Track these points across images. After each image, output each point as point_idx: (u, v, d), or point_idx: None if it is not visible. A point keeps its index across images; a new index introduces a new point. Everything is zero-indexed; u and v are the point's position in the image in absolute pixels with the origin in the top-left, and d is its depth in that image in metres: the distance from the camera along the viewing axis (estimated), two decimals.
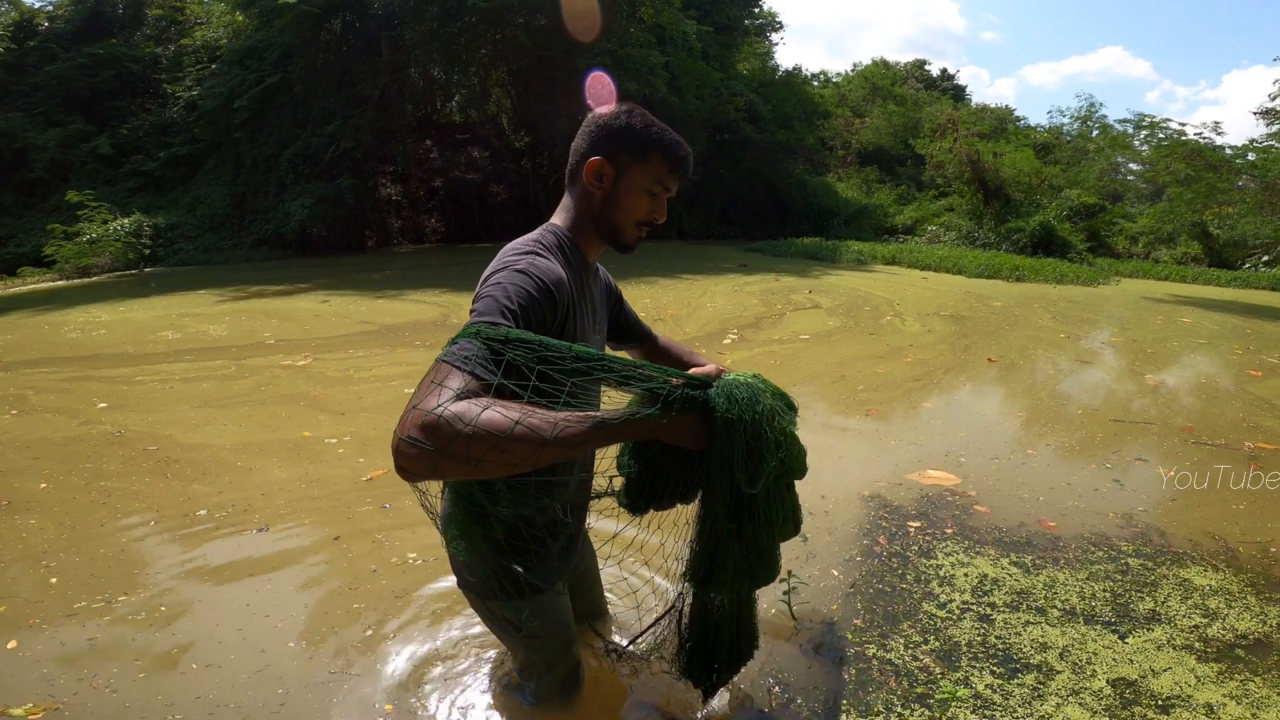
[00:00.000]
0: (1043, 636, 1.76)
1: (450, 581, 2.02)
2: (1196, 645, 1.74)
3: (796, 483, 1.21)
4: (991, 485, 2.76)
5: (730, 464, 1.06)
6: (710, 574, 1.17)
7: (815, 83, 28.56)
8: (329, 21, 13.44)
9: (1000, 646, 1.73)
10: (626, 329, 1.54)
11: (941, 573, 2.07)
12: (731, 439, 1.05)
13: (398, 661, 1.71)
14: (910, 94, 27.98)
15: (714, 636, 1.29)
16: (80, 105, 16.28)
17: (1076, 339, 5.97)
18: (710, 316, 6.63)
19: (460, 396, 0.90)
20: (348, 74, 13.88)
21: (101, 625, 1.91)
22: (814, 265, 12.32)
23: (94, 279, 11.95)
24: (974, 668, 1.65)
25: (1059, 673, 1.62)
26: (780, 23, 25.41)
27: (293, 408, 3.84)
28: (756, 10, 22.63)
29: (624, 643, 1.59)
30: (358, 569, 2.15)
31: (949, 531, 2.33)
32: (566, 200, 1.27)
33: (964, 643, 1.75)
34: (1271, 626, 1.81)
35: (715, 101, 17.22)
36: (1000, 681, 1.60)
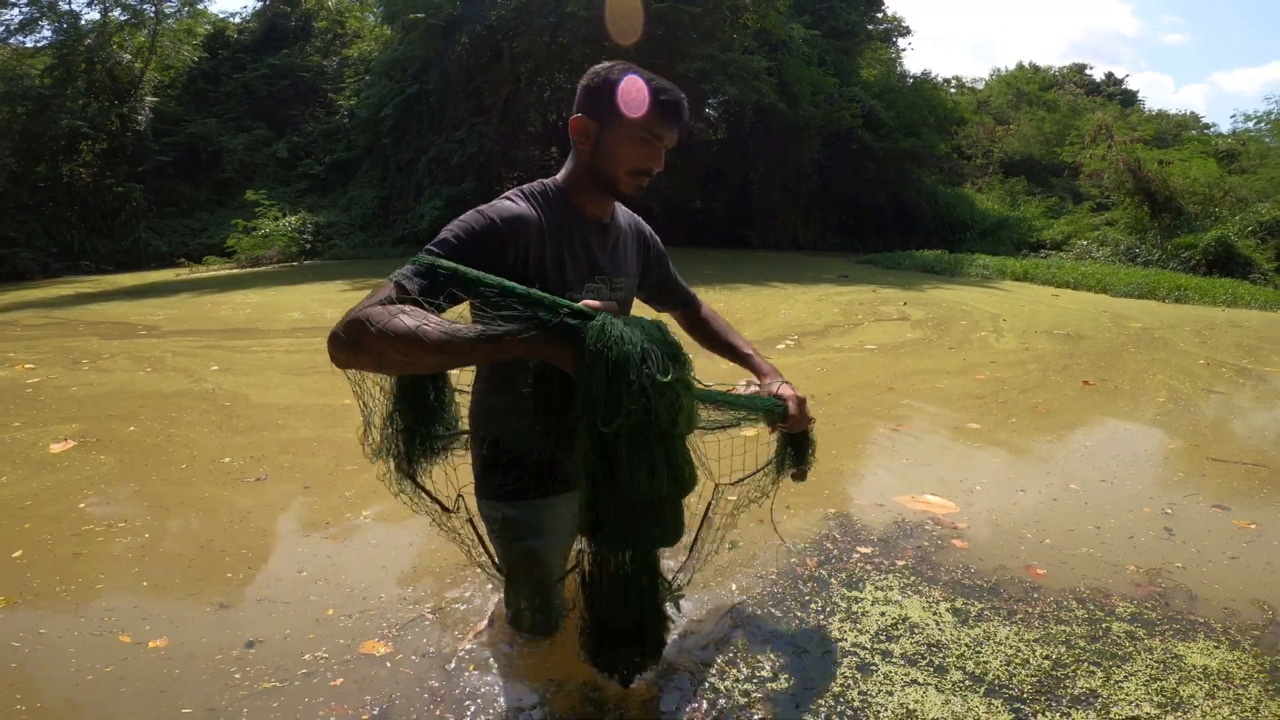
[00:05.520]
0: (916, 703, 1.44)
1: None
2: None
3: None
4: (993, 520, 2.35)
5: (590, 399, 1.04)
6: (596, 523, 1.13)
7: (950, 88, 26.60)
8: (457, 34, 14.46)
9: (856, 704, 1.44)
10: (660, 291, 1.66)
11: (855, 608, 1.78)
12: (593, 371, 1.04)
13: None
14: (1066, 100, 25.24)
15: (609, 605, 1.21)
16: (263, 112, 18.64)
17: (1217, 365, 5.04)
18: (777, 323, 6.33)
19: (384, 303, 1.05)
20: (473, 83, 14.85)
21: (91, 537, 2.26)
22: (927, 279, 11.38)
23: (263, 268, 13.69)
24: None
25: None
26: (907, 28, 24.05)
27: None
28: (880, 15, 21.52)
29: None
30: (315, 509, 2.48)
31: (900, 564, 2.00)
32: (569, 157, 1.37)
33: (815, 689, 1.48)
34: None
35: (830, 108, 16.50)
36: None
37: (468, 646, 1.65)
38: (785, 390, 1.51)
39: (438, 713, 1.46)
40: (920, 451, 3.06)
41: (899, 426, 3.39)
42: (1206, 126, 24.12)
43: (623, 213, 1.51)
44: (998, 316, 7.19)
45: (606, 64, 1.32)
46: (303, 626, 1.74)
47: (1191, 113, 28.39)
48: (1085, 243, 15.77)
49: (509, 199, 1.30)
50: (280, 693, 1.52)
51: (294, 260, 14.79)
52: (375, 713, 1.46)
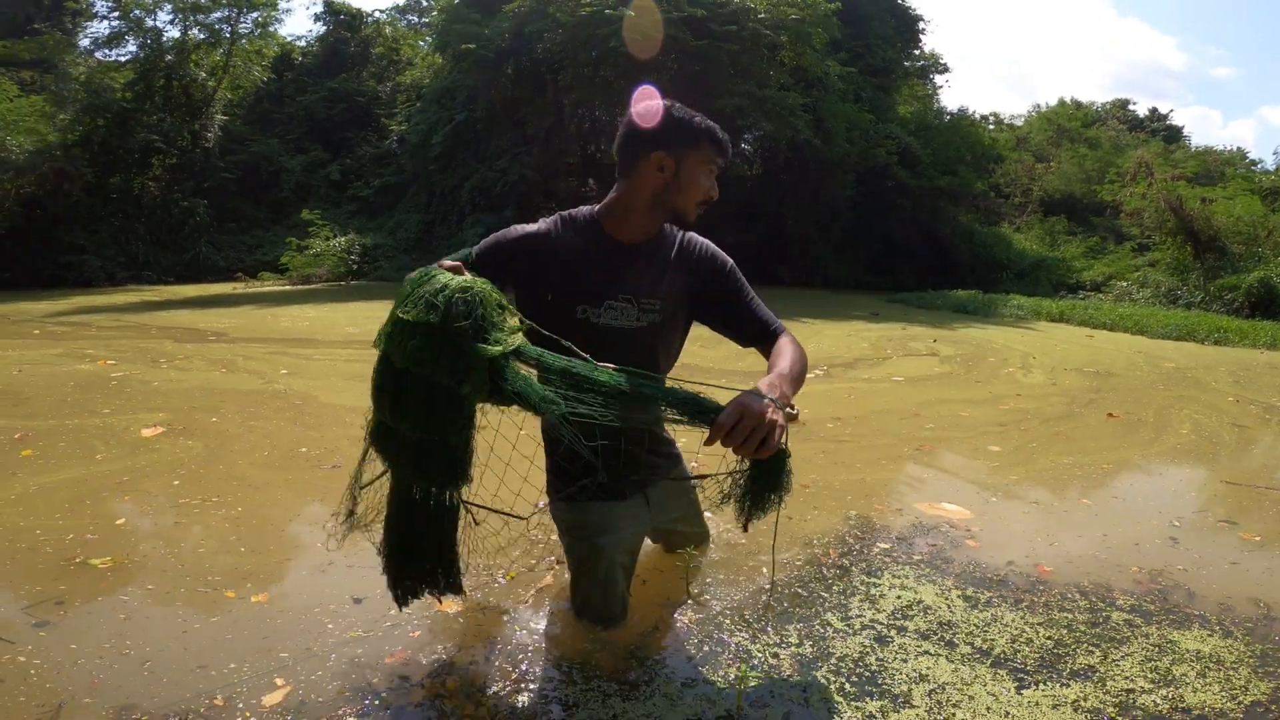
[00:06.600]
0: (928, 669, 1.61)
1: None
2: (1109, 711, 1.49)
3: None
4: (1005, 525, 2.51)
5: None
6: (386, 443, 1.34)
7: (989, 125, 26.68)
8: (504, 65, 15.16)
9: (873, 668, 1.62)
10: (727, 326, 1.60)
11: (874, 591, 1.96)
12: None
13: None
14: (1108, 136, 25.12)
15: (396, 529, 1.46)
16: (321, 135, 19.60)
17: (1247, 403, 5.07)
18: (806, 355, 6.53)
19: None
20: (518, 114, 15.50)
21: (188, 509, 2.50)
22: (958, 318, 11.45)
23: (313, 286, 14.35)
24: (826, 679, 1.57)
25: (912, 707, 1.48)
26: (944, 65, 24.31)
27: None
28: (916, 52, 21.85)
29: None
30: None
31: (916, 558, 2.18)
32: (613, 190, 1.51)
33: (837, 655, 1.67)
34: (1240, 705, 1.51)
35: (865, 145, 16.75)
36: (840, 699, 1.50)
37: (528, 608, 1.88)
38: (745, 399, 1.22)
39: (496, 663, 1.68)
40: (940, 468, 3.23)
41: (921, 446, 3.56)
42: (1253, 163, 23.82)
43: (686, 242, 1.58)
44: (1028, 354, 7.26)
45: (665, 103, 1.46)
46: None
47: (1238, 148, 27.90)
48: (1125, 284, 15.63)
49: (537, 222, 1.54)
50: (365, 640, 1.76)
51: (341, 280, 15.44)
52: (444, 658, 1.68)
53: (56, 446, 3.14)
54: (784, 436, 1.24)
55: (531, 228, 1.51)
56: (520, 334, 1.28)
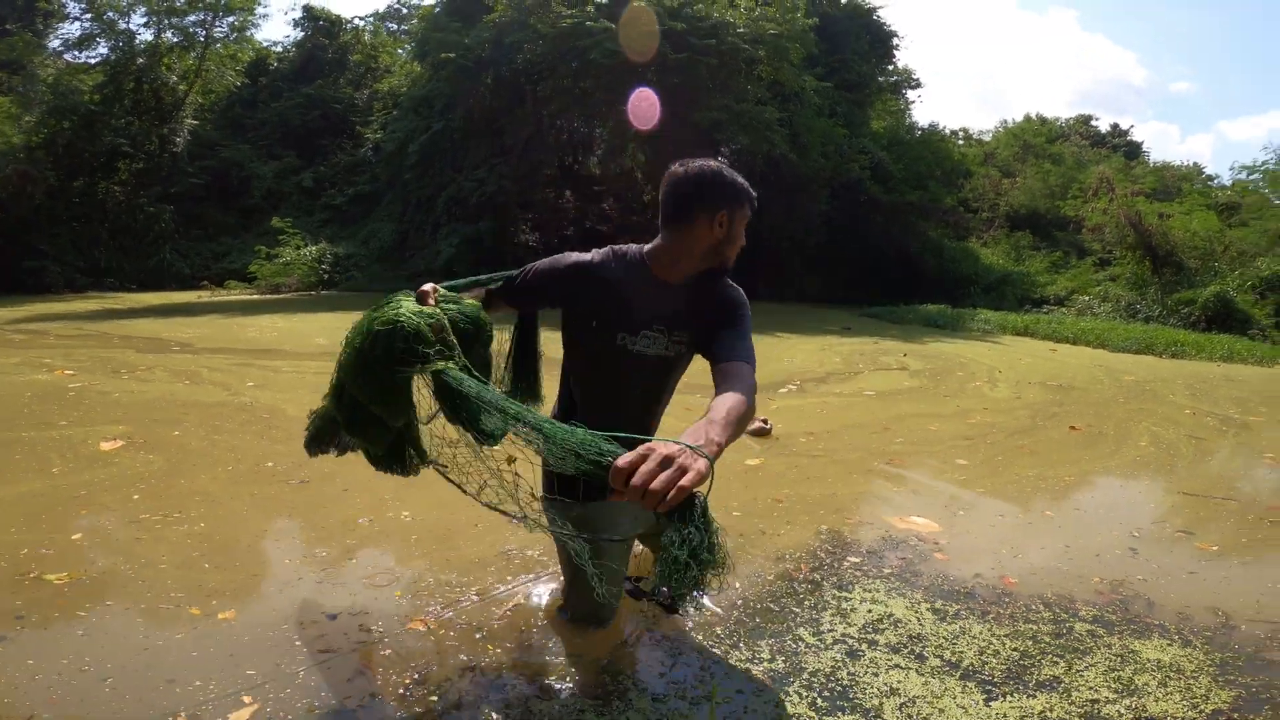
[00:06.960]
0: (899, 682, 1.64)
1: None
2: None
3: None
4: (972, 539, 2.56)
5: None
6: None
7: (958, 140, 27.34)
8: (483, 74, 15.13)
9: (845, 682, 1.64)
10: (712, 349, 1.58)
11: (845, 605, 1.99)
12: None
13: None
14: (1071, 152, 25.87)
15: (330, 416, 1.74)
16: (294, 141, 19.32)
17: (1203, 415, 5.25)
18: (779, 370, 6.58)
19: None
20: (496, 124, 15.47)
21: (149, 525, 2.43)
22: (928, 332, 11.66)
23: (282, 295, 14.10)
24: (799, 694, 1.59)
25: None
26: (917, 80, 24.85)
27: None
28: (890, 68, 22.33)
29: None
30: (355, 507, 2.69)
31: (886, 571, 2.21)
32: (661, 235, 1.61)
33: (809, 670, 1.69)
34: (1201, 713, 1.56)
35: (839, 159, 17.03)
36: (813, 714, 1.52)
37: (501, 625, 1.87)
38: (656, 442, 1.07)
39: (469, 680, 1.66)
40: (909, 482, 3.28)
41: (891, 461, 3.62)
42: (1209, 178, 24.65)
43: (717, 283, 1.64)
44: (994, 369, 7.42)
45: (712, 165, 1.58)
46: (358, 604, 1.95)
47: (1194, 164, 28.90)
48: (1087, 298, 16.04)
49: (588, 253, 1.66)
50: (336, 658, 1.72)
51: (311, 289, 15.19)
52: (416, 676, 1.66)
53: (12, 459, 3.05)
54: (705, 485, 1.04)
55: (585, 257, 1.64)
56: (449, 363, 1.36)
